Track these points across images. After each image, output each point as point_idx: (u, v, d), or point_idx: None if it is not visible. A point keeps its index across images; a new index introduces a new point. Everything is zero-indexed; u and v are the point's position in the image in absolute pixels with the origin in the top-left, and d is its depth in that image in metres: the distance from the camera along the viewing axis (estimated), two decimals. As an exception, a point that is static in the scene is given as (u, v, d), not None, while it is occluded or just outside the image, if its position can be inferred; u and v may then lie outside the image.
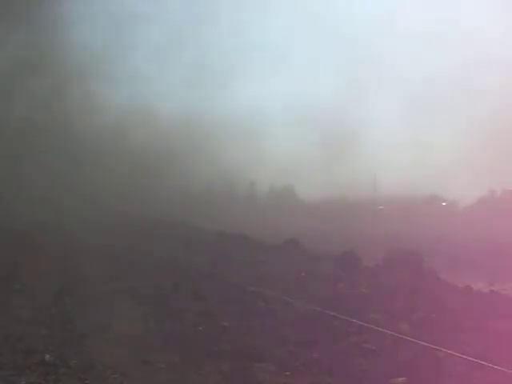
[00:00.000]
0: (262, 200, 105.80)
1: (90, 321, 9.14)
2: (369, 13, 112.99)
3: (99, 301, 10.99)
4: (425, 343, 7.83)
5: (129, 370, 6.68)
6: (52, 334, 8.09)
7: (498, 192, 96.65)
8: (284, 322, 9.29)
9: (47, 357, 6.84)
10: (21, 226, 31.82)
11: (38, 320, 8.88)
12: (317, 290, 12.57)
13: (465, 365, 7.01)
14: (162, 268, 16.24)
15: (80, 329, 8.55)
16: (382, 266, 17.56)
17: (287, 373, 6.83)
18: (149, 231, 31.73)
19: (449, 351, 7.45)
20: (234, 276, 14.52)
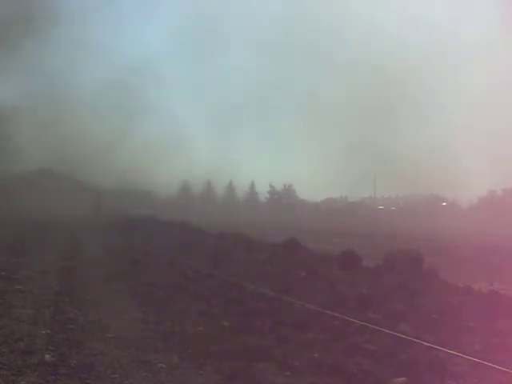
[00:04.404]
0: (262, 200, 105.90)
1: (89, 321, 9.14)
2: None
3: (99, 301, 10.99)
4: (425, 343, 7.83)
5: (129, 369, 6.68)
6: (52, 334, 8.08)
7: (497, 192, 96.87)
8: (284, 321, 9.28)
9: (47, 357, 6.83)
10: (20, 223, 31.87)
11: (38, 320, 8.87)
12: (317, 290, 12.56)
13: (465, 365, 7.01)
14: (161, 268, 16.24)
15: (80, 329, 8.54)
16: (381, 266, 17.56)
17: (287, 373, 6.83)
18: (148, 231, 31.77)
19: (449, 351, 7.45)
20: (234, 276, 14.51)
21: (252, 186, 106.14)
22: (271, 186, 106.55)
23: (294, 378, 6.66)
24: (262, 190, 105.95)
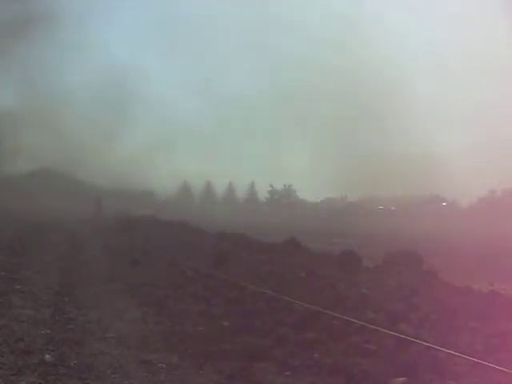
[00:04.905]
0: (262, 200, 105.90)
1: (89, 321, 9.13)
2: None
3: (99, 301, 10.99)
4: (425, 343, 7.83)
5: (129, 369, 6.68)
6: (52, 334, 8.08)
7: (497, 192, 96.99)
8: (284, 321, 9.28)
9: (47, 357, 6.83)
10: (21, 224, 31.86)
11: (38, 320, 8.87)
12: (317, 290, 12.56)
13: (465, 365, 7.00)
14: (161, 268, 16.25)
15: (80, 329, 8.54)
16: (381, 266, 17.56)
17: (287, 373, 6.82)
18: (148, 231, 31.78)
19: (449, 351, 7.45)
20: (234, 276, 14.51)
21: (252, 185, 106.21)
22: (271, 186, 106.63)
23: (294, 378, 6.66)
24: (262, 190, 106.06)
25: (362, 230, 48.26)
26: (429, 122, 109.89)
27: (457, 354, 7.34)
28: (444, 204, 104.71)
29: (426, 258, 17.67)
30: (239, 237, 27.41)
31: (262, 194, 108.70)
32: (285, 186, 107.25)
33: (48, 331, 8.18)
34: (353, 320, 9.34)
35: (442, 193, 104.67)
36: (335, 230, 44.87)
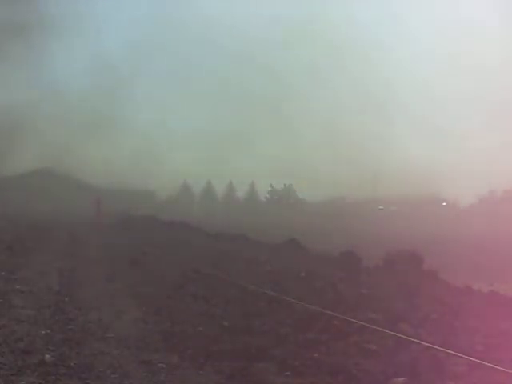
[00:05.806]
0: (262, 200, 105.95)
1: (89, 321, 9.13)
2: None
3: (99, 301, 10.98)
4: (425, 343, 7.83)
5: (129, 369, 6.67)
6: (52, 334, 8.07)
7: (497, 192, 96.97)
8: (284, 321, 9.28)
9: (47, 357, 6.82)
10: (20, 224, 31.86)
11: (38, 320, 8.86)
12: (317, 290, 12.56)
13: (465, 365, 7.01)
14: (161, 268, 16.24)
15: (80, 329, 8.54)
16: (381, 266, 17.58)
17: (287, 373, 6.82)
18: (148, 231, 31.79)
19: (449, 351, 7.45)
20: (234, 276, 14.52)
21: (252, 185, 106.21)
22: (271, 186, 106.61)
23: (294, 378, 6.66)
24: (262, 190, 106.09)
25: (362, 230, 48.26)
26: (428, 122, 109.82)
27: (457, 354, 7.34)
28: (444, 204, 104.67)
29: (426, 258, 17.69)
30: (239, 237, 27.43)
31: (262, 194, 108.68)
32: (285, 185, 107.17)
33: (48, 331, 8.17)
34: (353, 320, 9.34)
35: (442, 193, 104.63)
36: (335, 230, 44.86)
